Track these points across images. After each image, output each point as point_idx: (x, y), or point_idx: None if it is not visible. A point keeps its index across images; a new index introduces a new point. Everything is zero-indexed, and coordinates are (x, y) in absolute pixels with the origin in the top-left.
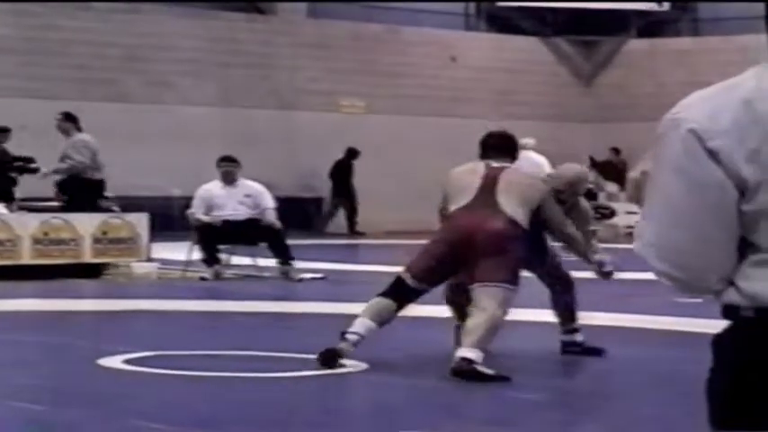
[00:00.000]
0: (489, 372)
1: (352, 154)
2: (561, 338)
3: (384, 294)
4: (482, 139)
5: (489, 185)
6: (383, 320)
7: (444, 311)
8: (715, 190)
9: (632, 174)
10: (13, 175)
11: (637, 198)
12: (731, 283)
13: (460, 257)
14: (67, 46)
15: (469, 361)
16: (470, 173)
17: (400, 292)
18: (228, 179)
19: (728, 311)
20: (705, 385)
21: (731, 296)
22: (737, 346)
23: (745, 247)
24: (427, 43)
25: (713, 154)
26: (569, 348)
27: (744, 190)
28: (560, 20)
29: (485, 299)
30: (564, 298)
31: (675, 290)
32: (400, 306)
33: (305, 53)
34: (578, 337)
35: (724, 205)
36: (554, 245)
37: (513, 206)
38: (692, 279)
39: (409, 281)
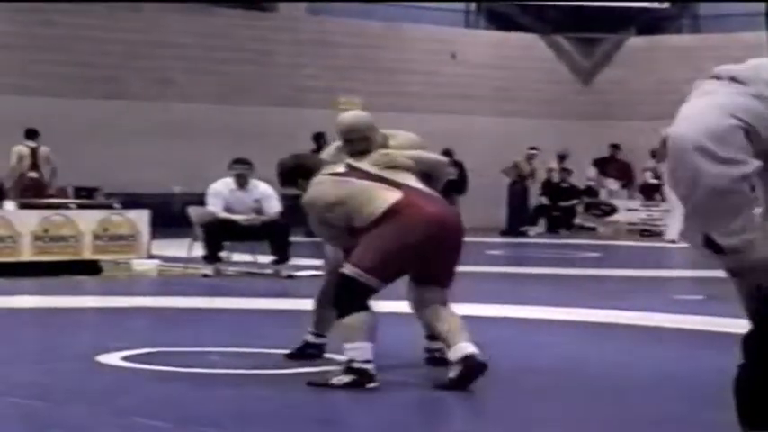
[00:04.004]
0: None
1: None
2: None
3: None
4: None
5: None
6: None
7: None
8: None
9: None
10: None
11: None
12: None
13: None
14: (67, 43)
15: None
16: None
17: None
18: (241, 182)
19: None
20: (733, 384)
21: None
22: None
23: None
24: (427, 40)
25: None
26: None
27: None
28: (560, 17)
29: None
30: None
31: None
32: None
33: (305, 50)
34: None
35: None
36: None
37: None
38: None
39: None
